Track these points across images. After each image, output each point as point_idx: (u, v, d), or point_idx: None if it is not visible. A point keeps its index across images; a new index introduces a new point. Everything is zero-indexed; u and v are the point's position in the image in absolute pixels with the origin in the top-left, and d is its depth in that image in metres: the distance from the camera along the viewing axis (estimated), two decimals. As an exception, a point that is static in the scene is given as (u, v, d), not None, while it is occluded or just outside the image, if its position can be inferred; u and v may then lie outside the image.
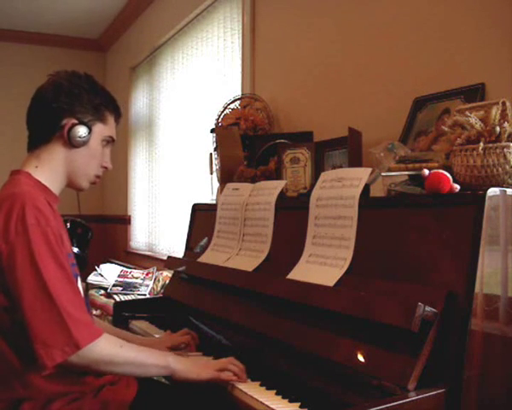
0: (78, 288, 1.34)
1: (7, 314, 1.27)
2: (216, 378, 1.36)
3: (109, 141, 1.51)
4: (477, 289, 1.09)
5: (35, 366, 1.23)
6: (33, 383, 1.29)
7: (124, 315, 2.12)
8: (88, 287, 3.76)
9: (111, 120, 1.50)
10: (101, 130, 1.47)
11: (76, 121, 1.41)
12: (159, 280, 3.55)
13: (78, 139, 1.41)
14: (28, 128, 1.47)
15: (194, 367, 1.39)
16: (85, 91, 1.44)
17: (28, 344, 1.22)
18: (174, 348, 1.64)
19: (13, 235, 1.24)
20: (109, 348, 1.30)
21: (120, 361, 1.32)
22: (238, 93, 2.93)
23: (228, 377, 1.36)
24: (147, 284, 3.57)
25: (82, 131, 1.41)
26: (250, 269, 1.70)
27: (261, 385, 1.33)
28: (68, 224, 4.08)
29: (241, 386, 1.32)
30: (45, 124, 1.43)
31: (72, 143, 1.41)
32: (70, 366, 1.26)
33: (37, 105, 1.44)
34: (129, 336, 1.69)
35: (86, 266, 4.05)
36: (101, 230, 5.54)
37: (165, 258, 2.65)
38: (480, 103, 1.40)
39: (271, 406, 1.21)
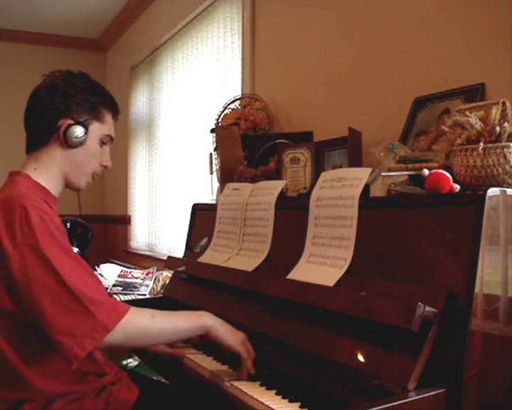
0: (93, 273, 1.33)
1: (11, 317, 1.26)
2: (243, 355, 1.38)
3: (108, 140, 1.50)
4: (477, 289, 1.08)
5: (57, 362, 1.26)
6: (34, 384, 1.29)
7: (124, 315, 2.11)
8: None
9: (108, 117, 1.48)
10: (99, 129, 1.45)
11: (72, 121, 1.39)
12: (159, 280, 3.54)
13: (75, 140, 1.40)
14: (26, 130, 1.45)
15: (228, 333, 1.40)
16: (81, 90, 1.42)
17: (45, 343, 1.23)
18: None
19: (19, 237, 1.22)
20: (141, 321, 1.30)
21: (154, 332, 1.33)
22: (238, 93, 2.93)
23: (250, 366, 1.37)
24: (147, 284, 3.56)
25: (78, 131, 1.40)
26: (250, 269, 1.69)
27: (261, 385, 1.33)
28: (68, 224, 4.08)
29: (241, 386, 1.32)
30: (42, 126, 1.41)
31: (68, 143, 1.40)
32: (105, 347, 1.27)
33: (33, 107, 1.43)
34: None
35: (86, 266, 4.05)
36: (101, 230, 5.54)
37: (165, 258, 2.65)
38: (480, 103, 1.40)
39: (271, 406, 1.20)
